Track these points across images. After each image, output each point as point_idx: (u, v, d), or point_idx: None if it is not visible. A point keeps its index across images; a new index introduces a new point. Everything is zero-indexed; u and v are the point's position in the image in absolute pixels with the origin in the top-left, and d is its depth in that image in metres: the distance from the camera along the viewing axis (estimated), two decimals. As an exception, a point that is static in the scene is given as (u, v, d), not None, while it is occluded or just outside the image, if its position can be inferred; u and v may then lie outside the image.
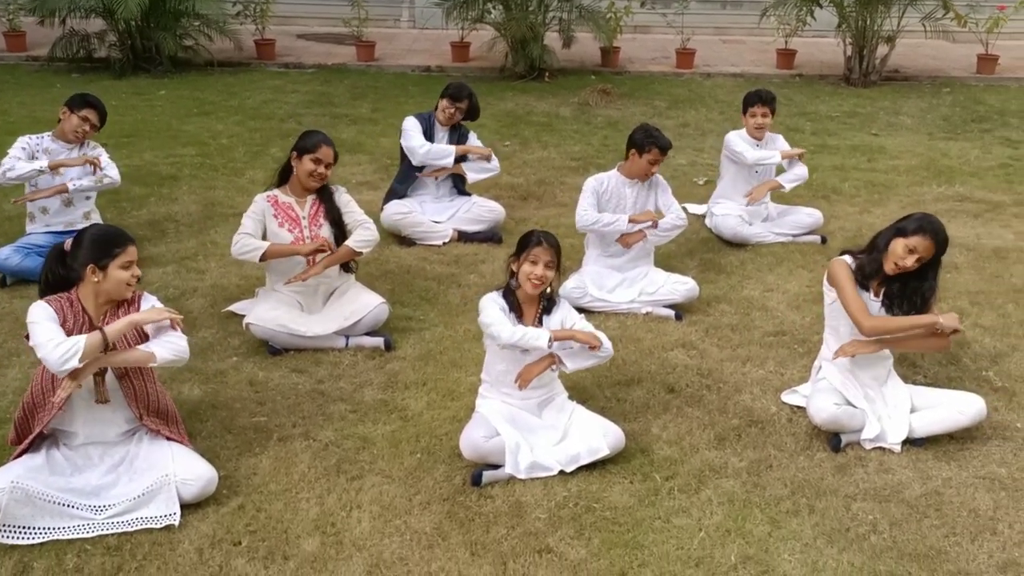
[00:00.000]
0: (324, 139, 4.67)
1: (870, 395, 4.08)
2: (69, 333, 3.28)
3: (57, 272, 3.45)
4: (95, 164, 5.45)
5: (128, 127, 8.64)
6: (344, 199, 4.81)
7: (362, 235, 4.74)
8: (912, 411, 4.05)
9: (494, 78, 11.33)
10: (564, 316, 3.88)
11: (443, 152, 6.09)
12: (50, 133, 5.52)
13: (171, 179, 7.26)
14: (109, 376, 3.42)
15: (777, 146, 6.31)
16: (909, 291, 3.94)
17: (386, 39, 13.07)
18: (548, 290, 3.84)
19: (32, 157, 5.39)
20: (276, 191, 4.74)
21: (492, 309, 3.76)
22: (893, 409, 4.05)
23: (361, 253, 4.79)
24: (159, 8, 10.91)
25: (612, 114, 9.79)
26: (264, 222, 4.66)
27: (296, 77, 11.27)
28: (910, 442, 3.97)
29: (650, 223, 5.20)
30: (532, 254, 3.75)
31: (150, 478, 3.40)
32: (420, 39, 13.66)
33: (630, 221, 5.15)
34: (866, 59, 11.43)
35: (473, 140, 6.31)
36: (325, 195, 4.76)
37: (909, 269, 3.88)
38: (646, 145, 5.09)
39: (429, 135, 6.14)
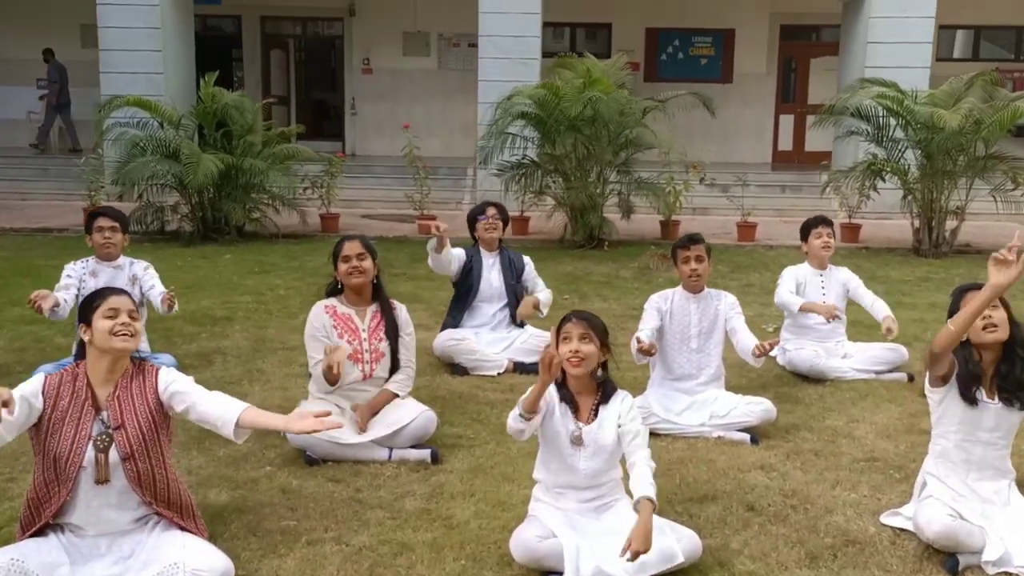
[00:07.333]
0: (345, 238, 4.57)
1: (988, 512, 3.53)
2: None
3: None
4: None
5: (189, 281, 8.69)
6: (404, 319, 4.63)
7: (401, 379, 4.55)
8: (1039, 530, 3.48)
9: (553, 247, 11.33)
10: (621, 409, 3.48)
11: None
12: (93, 256, 5.59)
13: (224, 320, 7.15)
14: (112, 454, 3.09)
15: (841, 277, 6.03)
16: (1017, 365, 3.50)
17: (447, 218, 13.25)
18: (599, 372, 3.47)
19: (80, 282, 5.44)
20: (334, 301, 4.56)
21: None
22: (1018, 527, 3.48)
23: (399, 396, 4.54)
24: (231, 182, 11.33)
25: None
26: (327, 335, 4.43)
27: (358, 246, 11.41)
28: (1040, 567, 3.37)
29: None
30: (563, 332, 3.42)
31: (157, 568, 2.99)
32: (481, 216, 13.89)
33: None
34: (935, 231, 11.19)
35: (530, 269, 6.15)
36: (386, 309, 4.56)
37: (995, 322, 3.47)
38: (675, 251, 5.06)
39: (476, 266, 5.99)
